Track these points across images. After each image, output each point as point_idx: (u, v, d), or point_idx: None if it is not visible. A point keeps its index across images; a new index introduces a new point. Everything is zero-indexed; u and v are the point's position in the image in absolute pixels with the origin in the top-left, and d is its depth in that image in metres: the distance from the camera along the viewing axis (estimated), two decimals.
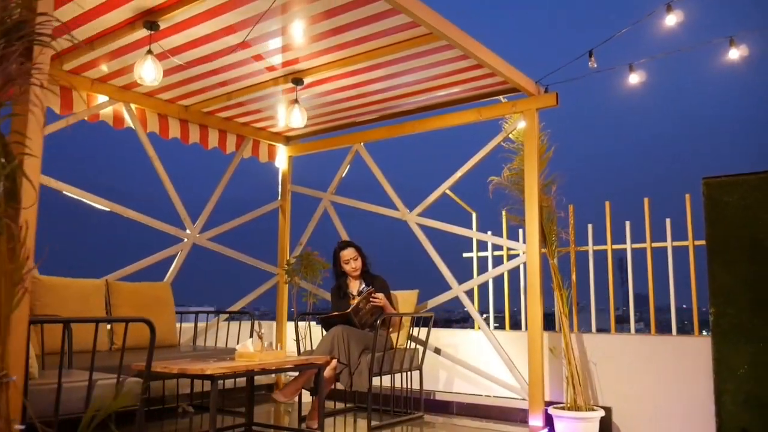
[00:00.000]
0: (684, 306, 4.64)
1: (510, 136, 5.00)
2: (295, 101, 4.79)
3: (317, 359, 4.00)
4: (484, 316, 5.46)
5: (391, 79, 4.76)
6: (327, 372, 4.33)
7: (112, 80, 4.82)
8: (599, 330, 4.92)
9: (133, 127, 5.10)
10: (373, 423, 4.33)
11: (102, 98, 4.90)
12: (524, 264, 4.96)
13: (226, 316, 5.58)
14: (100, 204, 4.90)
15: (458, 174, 5.28)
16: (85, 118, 4.83)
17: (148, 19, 3.78)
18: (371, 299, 4.55)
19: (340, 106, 5.40)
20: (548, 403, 4.62)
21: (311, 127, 5.99)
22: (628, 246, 4.81)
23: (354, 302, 4.55)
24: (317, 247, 5.86)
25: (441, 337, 5.36)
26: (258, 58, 4.42)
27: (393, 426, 4.47)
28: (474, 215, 5.55)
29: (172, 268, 5.30)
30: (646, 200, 4.76)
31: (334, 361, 4.27)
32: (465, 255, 5.62)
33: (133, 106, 5.09)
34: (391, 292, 5.04)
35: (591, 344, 4.73)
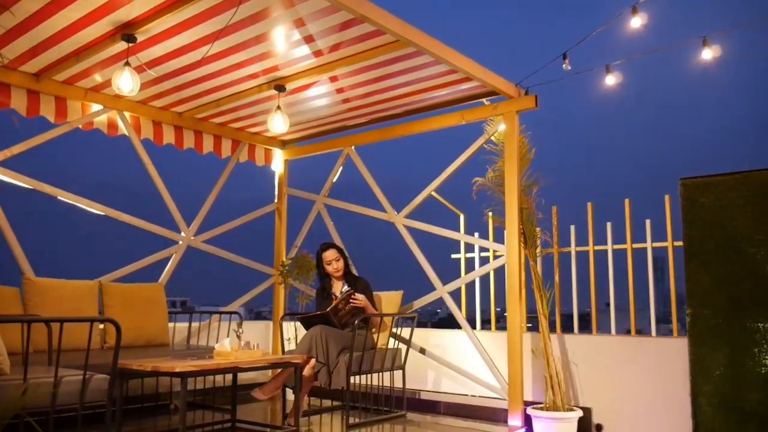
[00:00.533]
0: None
1: (492, 138, 5.04)
2: (278, 108, 4.91)
3: (293, 358, 4.11)
4: (471, 317, 5.50)
5: (373, 83, 4.85)
6: (306, 371, 4.44)
7: (105, 89, 5.01)
8: (582, 331, 4.93)
9: (127, 134, 5.29)
10: (351, 421, 4.43)
11: (96, 107, 5.09)
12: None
13: (222, 315, 5.74)
14: (94, 208, 5.09)
15: (443, 176, 5.34)
16: (80, 126, 5.03)
17: (126, 32, 3.93)
18: (351, 300, 4.65)
19: (330, 111, 5.51)
20: (530, 404, 4.66)
21: (305, 131, 6.13)
22: (609, 247, 4.81)
23: (335, 302, 4.65)
24: (312, 248, 5.98)
25: (428, 337, 5.44)
26: (239, 66, 4.55)
27: (371, 424, 4.55)
28: (462, 217, 5.60)
29: (166, 270, 5.47)
30: (626, 201, 4.76)
31: (313, 360, 4.37)
32: (453, 256, 5.67)
33: (127, 114, 5.27)
34: (376, 293, 5.13)
35: (572, 345, 4.75)
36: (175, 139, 5.64)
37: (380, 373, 4.75)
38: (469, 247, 5.58)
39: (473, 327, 5.27)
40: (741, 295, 4.01)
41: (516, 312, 4.63)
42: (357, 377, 4.59)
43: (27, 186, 4.73)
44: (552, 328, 5.03)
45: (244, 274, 6.25)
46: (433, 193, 5.45)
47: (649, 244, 4.66)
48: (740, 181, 4.20)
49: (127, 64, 4.03)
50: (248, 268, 6.19)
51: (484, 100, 5.07)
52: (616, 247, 4.80)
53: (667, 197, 4.58)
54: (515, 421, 4.53)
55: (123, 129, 5.28)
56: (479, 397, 5.04)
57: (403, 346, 4.99)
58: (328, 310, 4.57)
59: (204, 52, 4.16)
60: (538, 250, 4.83)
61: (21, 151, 4.69)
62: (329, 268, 4.91)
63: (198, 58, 4.34)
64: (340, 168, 6.07)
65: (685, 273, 4.27)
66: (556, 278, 5.00)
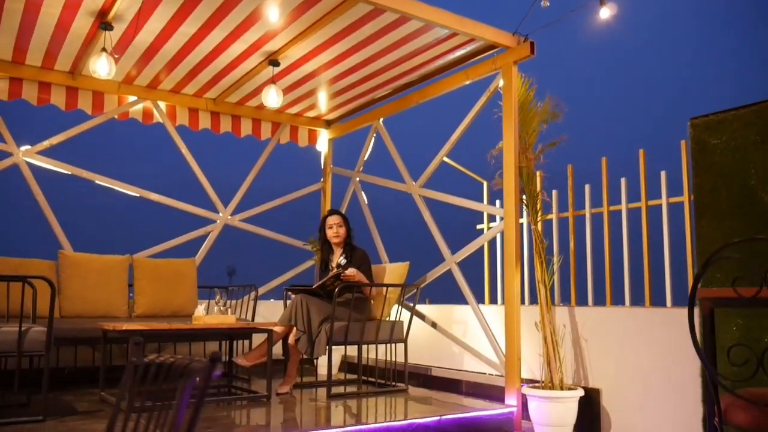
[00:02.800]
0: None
1: (500, 92, 4.64)
2: (272, 81, 4.98)
3: (261, 324, 4.14)
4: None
5: (386, 54, 4.77)
6: (289, 340, 4.45)
7: (136, 81, 5.46)
8: (597, 303, 4.35)
9: (161, 121, 5.71)
10: (333, 391, 4.35)
11: (131, 98, 5.57)
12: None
13: (262, 292, 5.95)
14: (129, 190, 5.57)
15: (453, 139, 5.04)
16: (115, 117, 5.53)
17: (103, 21, 4.25)
18: (342, 277, 4.54)
19: (358, 86, 5.48)
20: (532, 383, 4.22)
21: (342, 109, 6.15)
22: (623, 206, 4.20)
23: (322, 281, 4.57)
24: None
25: (436, 312, 5.18)
26: (231, 39, 4.66)
27: (355, 396, 4.42)
28: (485, 184, 5.24)
29: (202, 248, 5.81)
30: (641, 152, 4.11)
31: (294, 329, 4.37)
32: (478, 227, 5.32)
33: (161, 103, 5.69)
34: (383, 264, 4.98)
35: (583, 318, 4.21)
36: (211, 124, 5.96)
37: (387, 346, 4.60)
38: (493, 218, 5.19)
39: (482, 301, 4.91)
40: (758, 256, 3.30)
41: (513, 281, 4.20)
42: (360, 349, 4.51)
43: (66, 172, 5.32)
44: (566, 300, 4.52)
45: (289, 255, 6.40)
46: (446, 159, 5.16)
47: (664, 201, 3.98)
48: (758, 113, 3.47)
49: (104, 50, 4.34)
50: (293, 249, 6.33)
51: (490, 53, 4.69)
52: (630, 206, 4.17)
53: (682, 143, 3.88)
54: (511, 399, 4.13)
55: (158, 117, 5.71)
56: (479, 373, 4.68)
57: (405, 319, 4.78)
58: (314, 287, 4.53)
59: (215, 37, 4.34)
60: (540, 212, 4.34)
61: (60, 141, 5.29)
62: (329, 233, 4.85)
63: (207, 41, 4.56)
64: (372, 142, 5.98)
65: (695, 230, 3.61)
66: (571, 244, 4.48)
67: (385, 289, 4.63)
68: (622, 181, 4.21)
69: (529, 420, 4.02)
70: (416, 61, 4.93)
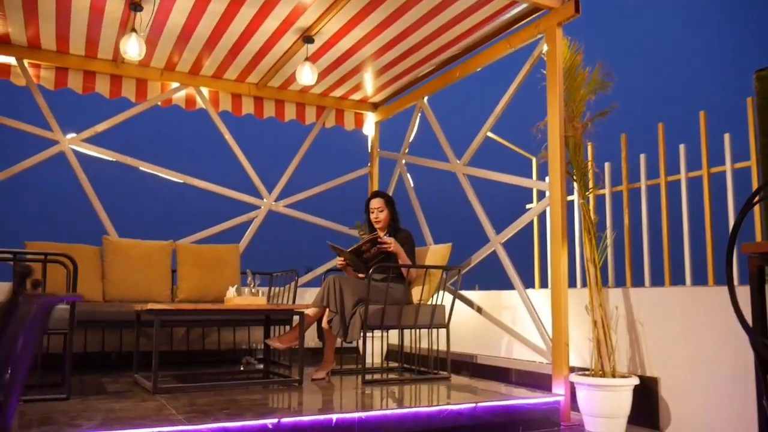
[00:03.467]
0: None
1: (544, 58, 4.31)
2: (306, 59, 4.83)
3: (291, 306, 4.00)
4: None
5: (422, 26, 4.56)
6: (323, 322, 4.29)
7: (178, 67, 5.46)
8: (654, 284, 3.94)
9: (204, 107, 5.69)
10: (370, 377, 4.15)
11: (174, 84, 5.57)
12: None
13: (307, 279, 5.84)
14: (173, 177, 5.58)
15: (497, 112, 4.74)
16: (159, 104, 5.55)
17: (132, 1, 4.23)
18: (379, 244, 4.34)
19: (398, 63, 5.29)
20: (582, 370, 3.88)
21: (386, 90, 5.96)
22: (682, 175, 3.78)
23: (358, 244, 4.38)
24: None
25: (488, 297, 4.89)
26: (262, 16, 4.55)
27: (391, 383, 4.21)
28: (533, 161, 4.90)
29: (246, 233, 5.75)
30: (701, 114, 3.69)
31: (327, 311, 4.20)
32: (527, 207, 4.98)
33: (204, 89, 5.67)
34: (427, 246, 4.74)
35: (639, 300, 3.83)
36: (254, 109, 5.90)
37: (430, 333, 4.38)
38: (543, 196, 4.84)
39: (532, 285, 4.58)
40: None
41: (559, 261, 3.87)
42: (401, 335, 4.31)
43: (111, 159, 5.38)
44: (621, 282, 4.14)
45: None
46: (490, 134, 4.86)
47: (728, 166, 3.55)
48: None
49: (134, 30, 4.32)
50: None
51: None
52: (690, 174, 3.75)
53: (748, 101, 3.45)
54: (558, 388, 3.80)
55: (201, 103, 5.69)
56: (529, 362, 4.35)
57: (447, 304, 4.52)
58: (349, 249, 4.36)
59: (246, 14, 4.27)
60: (591, 186, 3.98)
61: (105, 128, 5.35)
62: (371, 217, 4.67)
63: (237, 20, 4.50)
64: (417, 122, 5.75)
65: (762, 203, 3.19)
66: (626, 220, 4.09)
67: (425, 271, 4.39)
68: (681, 147, 3.80)
69: (578, 410, 3.69)
70: (457, 31, 4.67)
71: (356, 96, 6.17)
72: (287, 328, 4.95)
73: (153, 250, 5.13)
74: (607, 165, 4.27)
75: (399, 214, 4.77)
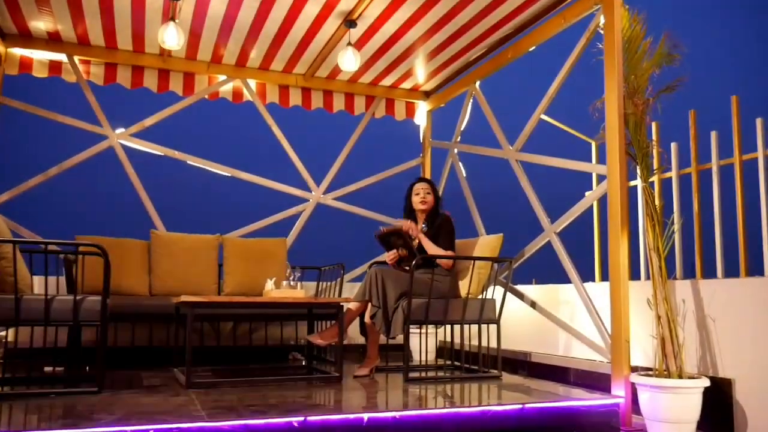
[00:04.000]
0: None
1: (601, 32, 3.97)
2: (349, 43, 4.65)
3: (331, 300, 3.82)
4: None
5: (469, 4, 4.33)
6: (366, 317, 4.10)
7: (224, 60, 5.40)
8: (728, 275, 3.53)
9: (251, 99, 5.62)
10: (413, 375, 3.92)
11: (221, 77, 5.53)
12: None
13: (357, 274, 5.68)
14: (221, 170, 5.53)
15: (550, 92, 4.41)
16: (206, 97, 5.52)
17: None
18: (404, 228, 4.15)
19: (447, 46, 5.04)
20: (645, 370, 3.52)
21: (437, 77, 5.72)
22: (760, 153, 3.36)
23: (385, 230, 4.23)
24: (450, 200, 5.54)
25: (544, 291, 4.57)
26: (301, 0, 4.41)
27: (437, 381, 3.96)
28: (593, 145, 4.55)
29: (295, 227, 5.64)
30: None
31: (370, 306, 4.01)
32: (587, 194, 4.62)
33: (251, 81, 5.60)
34: (477, 238, 4.47)
35: (709, 293, 3.43)
36: (302, 101, 5.78)
37: (475, 328, 4.11)
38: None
39: (591, 279, 4.23)
40: None
41: (618, 250, 3.53)
42: (452, 330, 4.07)
43: (159, 153, 5.38)
44: (691, 274, 3.74)
45: None
46: (544, 117, 4.53)
47: None
48: None
49: (171, 19, 4.26)
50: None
51: None
52: None
53: None
54: (618, 389, 3.46)
55: (248, 96, 5.62)
56: (589, 360, 4.01)
57: (498, 297, 4.24)
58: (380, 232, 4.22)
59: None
60: (657, 167, 3.61)
61: (152, 123, 5.36)
62: (416, 200, 4.43)
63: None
64: (469, 109, 5.47)
65: None
66: (695, 205, 3.70)
67: (472, 263, 4.12)
68: (758, 122, 3.38)
69: (641, 414, 3.33)
70: (507, 8, 4.37)
71: (407, 84, 5.96)
72: (333, 323, 4.80)
73: (200, 244, 5.09)
74: (673, 145, 3.89)
75: (442, 200, 4.55)
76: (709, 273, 3.60)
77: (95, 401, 3.02)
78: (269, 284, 3.98)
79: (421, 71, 5.59)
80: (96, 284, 4.57)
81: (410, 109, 6.19)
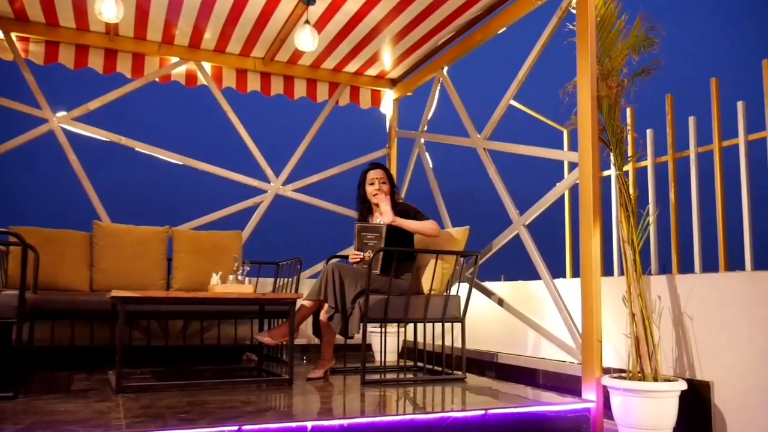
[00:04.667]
0: None
1: (573, 10, 3.71)
2: (306, 22, 4.34)
3: (280, 296, 3.52)
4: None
5: None
6: (321, 315, 3.80)
7: (177, 40, 5.05)
8: (707, 269, 3.30)
9: (206, 84, 5.27)
10: (370, 378, 3.63)
11: (173, 59, 5.17)
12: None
13: (317, 270, 5.37)
14: (172, 158, 5.17)
15: (520, 75, 4.14)
16: (156, 80, 5.16)
17: None
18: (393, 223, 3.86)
19: (413, 28, 4.76)
20: (618, 372, 3.28)
21: (404, 63, 5.44)
22: (741, 139, 3.13)
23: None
24: (416, 190, 5.27)
25: (512, 288, 4.30)
26: None
27: (394, 384, 3.67)
28: (564, 133, 4.30)
29: (251, 220, 5.31)
30: (765, 63, 3.03)
31: (326, 305, 3.71)
32: (558, 185, 4.37)
33: (206, 64, 5.26)
34: (445, 231, 4.20)
35: (687, 289, 3.19)
36: (261, 86, 5.46)
37: (444, 328, 3.84)
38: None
39: (562, 275, 3.98)
40: None
41: (590, 243, 3.27)
42: (415, 330, 3.78)
43: (104, 138, 5.02)
44: (667, 269, 3.51)
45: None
46: (514, 103, 4.28)
47: None
48: None
49: None
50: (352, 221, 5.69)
51: None
52: (753, 137, 3.10)
53: None
54: (589, 392, 3.21)
55: (202, 80, 5.28)
56: (559, 362, 3.76)
57: (462, 294, 3.96)
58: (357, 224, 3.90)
59: None
60: (632, 155, 3.37)
61: (97, 106, 4.99)
62: (370, 189, 4.09)
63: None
64: (436, 96, 5.20)
65: None
66: (672, 195, 3.46)
67: (435, 257, 3.83)
68: (739, 105, 3.15)
69: (613, 419, 3.08)
70: None
71: (372, 71, 5.66)
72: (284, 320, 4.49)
73: (147, 237, 4.73)
74: (649, 132, 3.65)
75: (398, 189, 4.26)
76: (687, 268, 3.36)
77: (6, 408, 2.68)
78: (214, 279, 3.66)
79: (387, 56, 5.31)
80: (41, 279, 4.24)
81: (376, 98, 5.90)
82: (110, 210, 4.92)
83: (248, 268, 3.83)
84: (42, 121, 4.83)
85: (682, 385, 2.92)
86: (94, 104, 4.98)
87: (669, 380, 3.00)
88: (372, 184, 4.08)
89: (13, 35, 4.73)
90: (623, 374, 3.17)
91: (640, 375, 3.05)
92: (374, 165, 4.21)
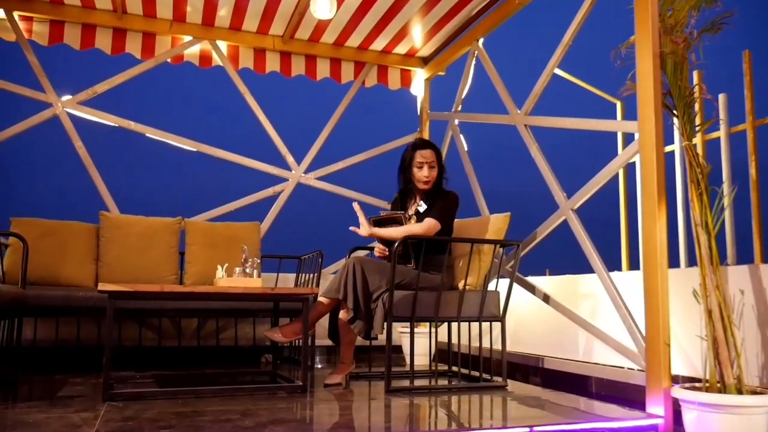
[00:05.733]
0: None
1: None
2: None
3: (292, 290, 3.09)
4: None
5: None
6: (341, 314, 3.35)
7: (189, 18, 4.69)
8: None
9: (221, 64, 4.90)
10: (396, 384, 3.17)
11: (186, 38, 4.81)
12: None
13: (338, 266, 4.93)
14: (185, 144, 4.81)
15: (566, 39, 3.62)
16: (168, 61, 4.80)
17: None
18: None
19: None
20: (691, 381, 2.75)
21: (436, 37, 4.97)
22: None
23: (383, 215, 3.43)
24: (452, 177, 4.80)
25: (560, 283, 3.79)
26: None
27: (423, 393, 3.20)
28: (618, 104, 3.76)
29: (272, 210, 4.91)
30: None
31: (345, 305, 3.26)
32: (613, 162, 3.84)
33: (221, 43, 4.88)
34: (479, 218, 3.71)
35: None
36: (280, 66, 5.06)
37: (479, 327, 3.36)
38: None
39: (618, 268, 3.45)
40: None
41: (654, 228, 2.74)
42: (449, 330, 3.29)
43: (112, 124, 4.68)
44: (747, 257, 2.95)
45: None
46: (558, 71, 3.76)
47: None
48: None
49: None
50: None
51: None
52: None
53: None
54: (655, 406, 2.68)
55: (217, 60, 4.90)
56: (616, 368, 3.23)
57: (502, 290, 3.47)
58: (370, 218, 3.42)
59: None
60: (699, 121, 2.82)
61: (105, 89, 4.65)
62: (419, 174, 3.54)
63: None
64: (471, 72, 4.71)
65: None
66: (752, 170, 2.91)
67: (470, 247, 3.35)
68: None
69: None
70: None
71: (401, 49, 5.20)
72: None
73: (158, 228, 4.37)
74: (721, 96, 3.09)
75: (445, 174, 3.76)
76: None
77: None
78: (219, 272, 3.25)
79: (417, 31, 4.84)
80: (42, 273, 3.94)
81: (406, 78, 5.43)
82: (119, 200, 4.58)
83: (258, 261, 3.41)
84: (46, 106, 4.50)
85: None
86: (101, 87, 4.64)
87: (756, 392, 2.46)
88: (421, 166, 3.55)
89: (16, 14, 4.43)
90: (697, 384, 2.63)
91: (719, 385, 2.52)
92: (425, 142, 3.67)
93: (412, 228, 3.34)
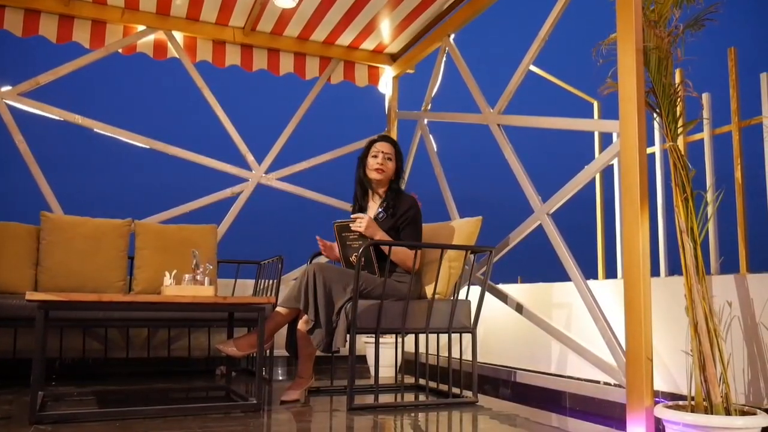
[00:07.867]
0: None
1: None
2: None
3: (244, 299, 2.83)
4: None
5: None
6: (299, 325, 3.10)
7: (142, 5, 4.39)
8: None
9: (177, 56, 4.60)
10: (359, 401, 2.93)
11: (140, 27, 4.51)
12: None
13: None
14: (138, 141, 4.50)
15: (542, 34, 3.44)
16: (119, 51, 4.49)
17: None
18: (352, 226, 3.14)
19: None
20: (674, 398, 2.58)
21: (405, 33, 4.75)
22: None
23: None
24: (419, 180, 4.59)
25: (532, 291, 3.59)
26: None
27: (385, 411, 2.98)
28: (595, 104, 3.60)
29: (229, 213, 4.63)
30: None
31: (305, 315, 3.01)
32: (591, 164, 3.67)
33: (177, 33, 4.59)
34: (448, 222, 3.50)
35: (763, 292, 2.48)
36: (241, 60, 4.78)
37: (448, 338, 3.14)
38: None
39: (594, 276, 3.27)
40: None
41: (636, 234, 2.56)
42: (417, 341, 3.06)
43: (57, 117, 4.35)
44: (732, 266, 2.80)
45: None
46: (534, 68, 3.57)
47: None
48: None
49: None
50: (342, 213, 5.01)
51: None
52: None
53: None
54: (637, 426, 2.49)
55: (173, 51, 4.61)
56: (591, 382, 3.05)
57: (473, 299, 3.26)
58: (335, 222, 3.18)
59: None
60: (680, 121, 2.65)
61: (49, 80, 4.32)
62: (371, 162, 3.35)
63: None
64: (441, 69, 4.51)
65: None
66: (737, 173, 2.75)
67: (440, 253, 3.13)
68: None
69: None
70: None
71: (369, 44, 4.97)
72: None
73: (105, 231, 4.05)
74: (705, 96, 2.94)
75: (404, 174, 3.55)
76: (759, 265, 2.66)
77: None
78: (167, 279, 2.97)
79: (385, 25, 4.62)
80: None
81: (373, 75, 5.21)
82: (63, 200, 4.25)
83: (211, 267, 3.14)
84: None
85: (763, 420, 2.21)
86: (45, 78, 4.30)
87: (744, 412, 2.29)
88: (376, 156, 3.35)
89: None
90: (681, 402, 2.45)
91: (705, 404, 2.34)
92: (384, 137, 3.49)
93: (400, 250, 3.12)
